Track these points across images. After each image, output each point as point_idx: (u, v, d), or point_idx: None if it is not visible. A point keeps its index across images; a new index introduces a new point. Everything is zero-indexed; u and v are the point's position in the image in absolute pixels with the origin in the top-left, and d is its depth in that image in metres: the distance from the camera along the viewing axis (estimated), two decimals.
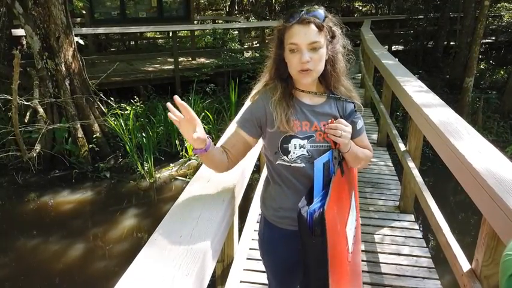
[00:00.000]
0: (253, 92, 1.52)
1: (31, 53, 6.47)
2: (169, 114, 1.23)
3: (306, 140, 1.39)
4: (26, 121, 5.74)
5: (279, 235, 1.53)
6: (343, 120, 1.36)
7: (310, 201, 1.33)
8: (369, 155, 1.52)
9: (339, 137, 1.33)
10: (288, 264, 1.58)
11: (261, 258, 1.68)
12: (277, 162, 1.43)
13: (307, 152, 1.39)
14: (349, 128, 1.35)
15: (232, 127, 1.47)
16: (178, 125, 1.24)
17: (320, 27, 1.30)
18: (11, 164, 6.11)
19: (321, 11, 1.32)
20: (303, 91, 1.42)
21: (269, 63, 1.46)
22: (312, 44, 1.29)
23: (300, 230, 1.30)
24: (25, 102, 5.73)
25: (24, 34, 6.48)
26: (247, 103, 1.55)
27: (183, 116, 1.24)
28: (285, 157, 1.40)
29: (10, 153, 5.88)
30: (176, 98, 1.23)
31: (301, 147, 1.39)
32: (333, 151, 1.39)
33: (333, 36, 1.36)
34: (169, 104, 1.24)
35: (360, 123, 1.48)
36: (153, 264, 1.08)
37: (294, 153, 1.39)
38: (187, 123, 1.25)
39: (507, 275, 0.66)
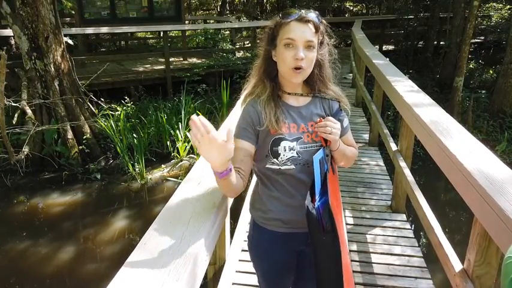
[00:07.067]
0: (243, 94, 1.50)
1: (19, 54, 6.38)
2: (192, 132, 1.07)
3: (295, 142, 1.39)
4: (14, 123, 5.66)
5: (269, 238, 1.52)
6: (331, 118, 1.37)
7: (311, 200, 1.34)
8: (355, 152, 1.54)
9: (329, 134, 1.33)
10: (278, 267, 1.57)
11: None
12: (267, 166, 1.41)
13: (297, 153, 1.39)
14: (338, 124, 1.35)
15: (235, 144, 1.33)
16: (198, 145, 1.09)
17: (317, 28, 1.32)
18: None
19: (316, 16, 1.34)
20: (289, 93, 1.42)
21: (258, 62, 1.46)
22: (308, 43, 1.30)
23: (309, 228, 1.30)
24: (13, 104, 5.64)
25: (12, 34, 6.39)
26: (238, 108, 1.53)
27: (204, 133, 1.07)
28: (275, 160, 1.39)
29: None
30: (194, 117, 1.07)
31: (290, 149, 1.38)
32: (325, 149, 1.39)
33: (321, 42, 1.38)
34: (193, 119, 1.07)
35: (346, 121, 1.49)
36: (142, 269, 1.06)
37: (284, 155, 1.38)
38: (208, 144, 1.08)
39: (509, 278, 0.66)
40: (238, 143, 1.39)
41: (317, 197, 1.33)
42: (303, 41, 1.29)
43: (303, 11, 1.32)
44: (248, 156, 1.40)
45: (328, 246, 1.27)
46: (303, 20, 1.30)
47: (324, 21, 1.37)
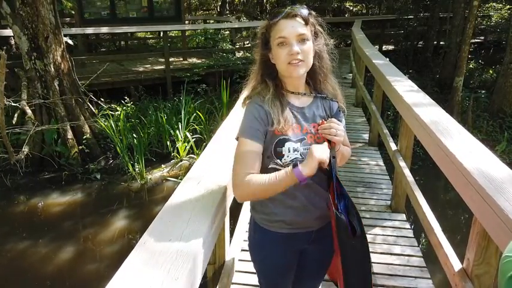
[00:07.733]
0: (242, 96, 1.49)
1: (19, 54, 6.38)
2: (331, 126, 1.34)
3: (299, 143, 1.37)
4: (14, 123, 5.66)
5: (271, 239, 1.50)
6: (334, 119, 1.36)
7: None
8: (350, 152, 1.57)
9: (334, 135, 1.33)
10: (280, 268, 1.56)
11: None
12: (269, 167, 1.38)
13: (301, 155, 1.36)
14: (341, 126, 1.35)
15: (245, 147, 1.33)
16: (331, 139, 1.34)
17: (306, 21, 1.32)
18: None
19: (303, 9, 1.34)
20: (292, 92, 1.42)
21: (256, 67, 1.45)
22: (300, 36, 1.30)
23: (338, 233, 1.29)
24: (13, 104, 5.64)
25: (12, 34, 6.39)
26: (238, 109, 1.52)
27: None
28: (278, 160, 1.36)
29: None
30: (334, 120, 1.37)
31: (295, 150, 1.36)
32: (331, 150, 1.38)
33: (316, 33, 1.38)
34: (333, 120, 1.37)
35: (343, 122, 1.49)
36: (141, 268, 1.06)
37: (287, 156, 1.35)
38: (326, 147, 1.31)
39: (506, 277, 0.66)
40: (253, 146, 1.33)
41: (336, 201, 1.31)
42: (295, 35, 1.29)
43: (289, 7, 1.32)
44: (260, 161, 1.35)
45: (358, 250, 1.28)
46: (290, 16, 1.30)
47: (313, 12, 1.37)
